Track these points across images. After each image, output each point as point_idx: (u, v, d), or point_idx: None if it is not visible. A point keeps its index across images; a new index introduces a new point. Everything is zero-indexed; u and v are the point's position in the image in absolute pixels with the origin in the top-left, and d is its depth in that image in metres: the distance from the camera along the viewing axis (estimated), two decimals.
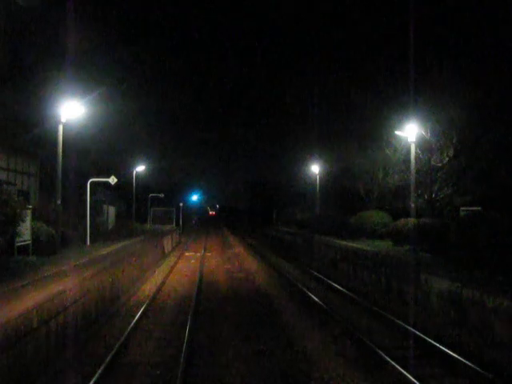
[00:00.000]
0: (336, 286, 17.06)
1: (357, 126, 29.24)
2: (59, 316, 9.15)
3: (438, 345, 9.54)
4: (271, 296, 15.40)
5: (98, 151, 31.57)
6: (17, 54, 19.11)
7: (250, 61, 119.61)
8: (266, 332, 10.78)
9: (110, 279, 13.65)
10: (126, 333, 10.48)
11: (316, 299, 14.37)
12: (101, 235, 26.36)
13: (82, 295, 10.74)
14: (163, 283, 18.01)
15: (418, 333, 10.47)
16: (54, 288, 9.61)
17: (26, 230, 15.18)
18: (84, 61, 21.87)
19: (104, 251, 18.52)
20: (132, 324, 11.29)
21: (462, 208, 17.90)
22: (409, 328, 10.89)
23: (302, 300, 14.72)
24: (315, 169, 38.08)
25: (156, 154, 53.68)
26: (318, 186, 37.67)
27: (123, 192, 42.27)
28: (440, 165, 22.06)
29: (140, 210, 45.18)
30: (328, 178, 36.18)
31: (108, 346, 9.65)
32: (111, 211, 41.24)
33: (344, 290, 16.05)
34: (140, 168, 40.95)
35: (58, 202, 18.95)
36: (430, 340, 9.89)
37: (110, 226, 35.29)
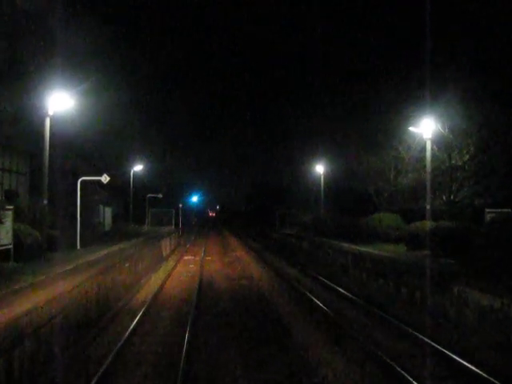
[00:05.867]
0: (349, 295, 15.48)
1: (366, 123, 27.62)
2: (32, 336, 7.59)
3: (481, 373, 7.97)
4: (279, 308, 13.79)
5: (92, 149, 29.93)
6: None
7: (251, 58, 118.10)
8: (276, 356, 9.18)
9: (98, 289, 12.07)
10: (115, 351, 8.97)
11: (329, 312, 12.80)
12: (96, 237, 24.80)
13: (61, 310, 9.15)
14: (160, 291, 16.44)
15: (453, 356, 8.88)
16: (28, 302, 8.06)
17: (6, 234, 13.64)
18: (74, 48, 20.20)
19: (95, 256, 16.93)
20: (122, 342, 9.74)
21: (487, 210, 16.30)
22: (441, 349, 9.31)
23: (313, 313, 13.11)
24: (320, 169, 36.60)
25: (156, 154, 52.20)
26: (322, 187, 36.21)
27: (121, 192, 40.74)
28: (460, 163, 20.41)
29: (138, 211, 43.64)
30: (334, 178, 34.63)
31: (93, 370, 8.10)
32: (108, 212, 39.67)
33: (359, 301, 14.46)
34: (138, 167, 39.41)
35: (44, 201, 17.34)
36: (470, 366, 8.31)
37: (107, 228, 33.81)
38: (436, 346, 9.60)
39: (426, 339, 10.02)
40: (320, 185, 36.36)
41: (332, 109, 35.19)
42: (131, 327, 11.03)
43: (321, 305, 13.76)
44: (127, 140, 40.23)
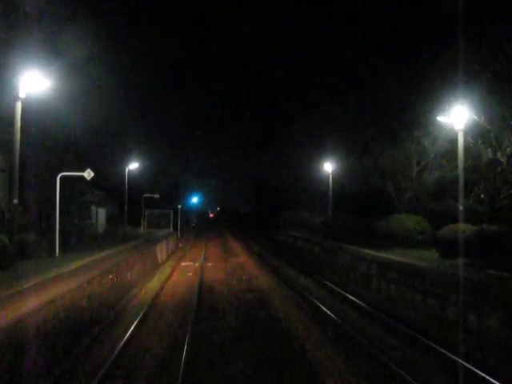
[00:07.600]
0: (379, 314, 12.77)
1: (384, 113, 24.83)
2: None
3: None
4: (296, 333, 11.08)
5: (82, 145, 27.12)
6: None
7: (251, 58, 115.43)
8: None
9: (64, 314, 9.34)
10: None
11: (359, 337, 10.12)
12: (83, 242, 22.13)
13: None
14: (150, 307, 13.74)
15: None
16: None
17: None
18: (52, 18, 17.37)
19: (74, 265, 14.25)
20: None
21: None
22: None
23: (340, 339, 10.42)
24: (328, 167, 34.01)
25: (154, 154, 49.52)
26: (330, 186, 33.61)
27: (116, 193, 38.06)
28: (503, 159, 17.54)
29: (134, 213, 40.94)
30: (345, 176, 31.89)
31: None
32: (101, 213, 36.94)
33: (393, 323, 11.75)
34: (133, 166, 36.67)
35: (14, 201, 14.63)
36: None
37: (100, 230, 31.16)
38: None
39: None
40: (328, 184, 33.77)
41: (335, 107, 32.50)
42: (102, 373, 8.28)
43: (344, 325, 11.09)
44: (124, 138, 37.63)
